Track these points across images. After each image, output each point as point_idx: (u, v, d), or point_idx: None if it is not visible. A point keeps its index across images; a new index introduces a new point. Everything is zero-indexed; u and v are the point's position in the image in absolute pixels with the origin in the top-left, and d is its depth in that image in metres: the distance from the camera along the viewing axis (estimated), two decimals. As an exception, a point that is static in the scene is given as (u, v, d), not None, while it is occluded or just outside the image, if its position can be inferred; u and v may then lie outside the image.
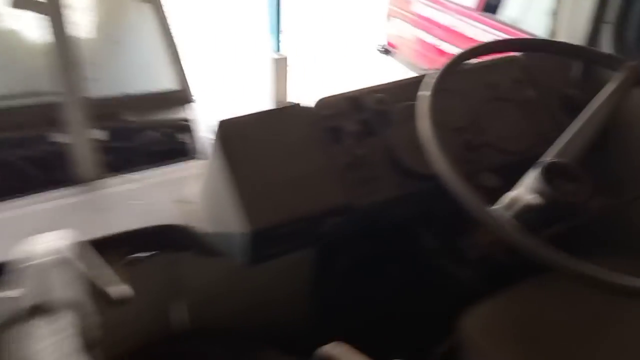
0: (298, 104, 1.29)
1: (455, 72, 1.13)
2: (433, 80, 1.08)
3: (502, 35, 4.21)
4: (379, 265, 1.61)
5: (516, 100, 1.43)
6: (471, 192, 0.90)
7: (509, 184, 1.26)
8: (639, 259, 1.28)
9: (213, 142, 1.19)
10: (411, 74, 4.68)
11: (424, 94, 1.05)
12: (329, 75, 6.34)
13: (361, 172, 1.23)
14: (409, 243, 1.45)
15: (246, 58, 6.54)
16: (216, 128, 1.17)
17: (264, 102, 5.74)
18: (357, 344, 0.87)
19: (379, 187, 1.23)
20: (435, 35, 4.97)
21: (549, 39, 1.19)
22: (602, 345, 1.05)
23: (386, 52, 5.75)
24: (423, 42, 5.14)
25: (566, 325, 1.08)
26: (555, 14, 1.62)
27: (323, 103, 1.29)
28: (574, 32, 1.57)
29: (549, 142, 1.41)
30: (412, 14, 5.22)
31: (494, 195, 1.28)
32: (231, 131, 1.18)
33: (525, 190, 1.01)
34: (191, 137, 2.63)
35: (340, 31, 7.52)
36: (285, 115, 1.25)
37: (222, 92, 5.71)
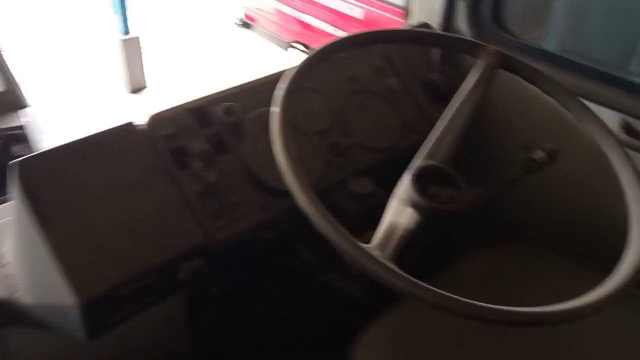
0: (130, 124, 1.05)
1: (309, 70, 0.96)
2: (282, 93, 0.90)
3: (361, 5, 4.16)
4: (256, 289, 1.44)
5: (379, 92, 1.32)
6: (339, 231, 0.76)
7: (382, 185, 1.15)
8: (521, 245, 1.26)
9: (14, 188, 0.91)
10: (273, 47, 4.47)
11: (274, 109, 0.88)
12: (187, 54, 5.92)
13: (217, 200, 1.03)
14: (287, 261, 1.29)
15: (90, 43, 5.86)
16: (15, 170, 0.90)
17: (118, 91, 5.21)
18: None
19: (241, 214, 1.05)
20: (294, 7, 4.80)
21: (407, 28, 1.08)
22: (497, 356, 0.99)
23: (245, 25, 5.46)
24: (282, 14, 4.94)
25: (459, 339, 1.01)
26: (408, -7, 1.53)
27: (159, 120, 1.06)
28: (429, 11, 1.49)
29: (417, 132, 1.33)
30: (270, -16, 4.99)
31: (368, 201, 1.18)
32: (38, 172, 0.91)
33: (398, 211, 0.89)
34: (28, 148, 2.24)
35: (192, 6, 7.03)
36: (111, 142, 1.00)
37: (69, 89, 5.07)
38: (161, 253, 0.95)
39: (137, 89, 5.33)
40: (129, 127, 1.04)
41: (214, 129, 1.09)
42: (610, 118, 1.21)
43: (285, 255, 1.30)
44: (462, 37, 1.09)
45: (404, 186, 0.93)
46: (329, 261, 1.26)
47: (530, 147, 1.28)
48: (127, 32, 5.08)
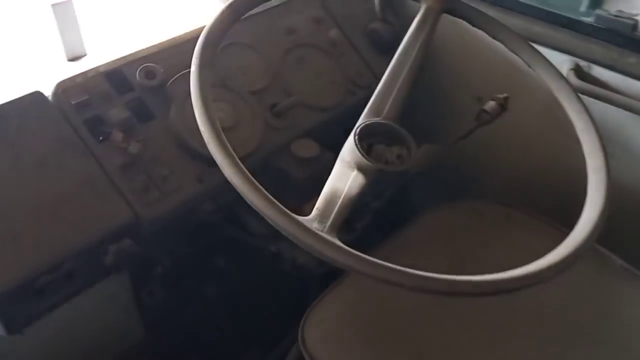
0: (38, 93, 0.92)
1: (230, 20, 0.85)
2: (198, 49, 0.79)
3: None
4: (204, 264, 1.36)
5: (320, 45, 1.22)
6: (269, 203, 0.67)
7: (330, 147, 1.08)
8: (477, 203, 1.22)
9: None
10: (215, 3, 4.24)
11: (192, 69, 0.77)
12: (129, 15, 5.57)
13: (144, 173, 0.93)
14: (234, 233, 1.21)
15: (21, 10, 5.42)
16: None
17: (54, 60, 4.87)
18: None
19: (173, 187, 0.95)
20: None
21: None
22: (449, 327, 0.95)
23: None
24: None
25: (416, 306, 0.96)
26: None
27: (68, 87, 0.94)
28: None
29: (363, 87, 1.25)
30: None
31: (314, 165, 1.10)
32: None
33: (342, 175, 0.81)
34: None
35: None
36: (16, 114, 0.88)
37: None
38: (82, 236, 0.85)
39: (76, 57, 5.02)
40: (36, 97, 0.91)
41: (134, 95, 0.98)
42: (562, 62, 1.16)
43: (231, 227, 1.22)
44: None
45: (347, 147, 0.85)
46: (276, 230, 1.19)
47: (481, 97, 1.23)
48: (57, -4, 4.73)
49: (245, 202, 1.19)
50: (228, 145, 0.70)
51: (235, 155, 0.69)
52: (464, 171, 1.44)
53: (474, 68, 1.36)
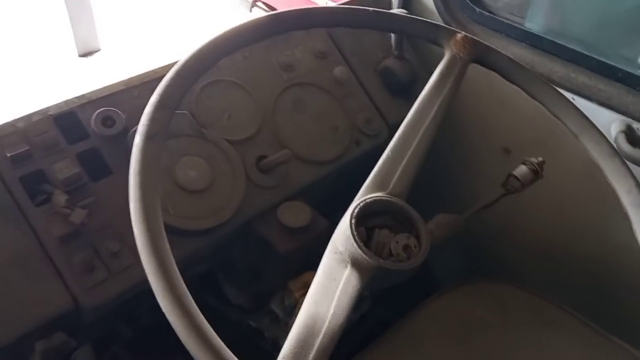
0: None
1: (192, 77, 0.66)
2: (149, 109, 0.61)
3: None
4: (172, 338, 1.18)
5: (322, 84, 1.04)
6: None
7: (327, 209, 0.90)
8: (498, 285, 1.02)
9: None
10: (235, 5, 4.01)
11: (137, 139, 0.59)
12: (144, 13, 5.45)
13: (89, 247, 0.76)
14: (208, 302, 1.04)
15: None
16: None
17: (66, 55, 4.76)
18: None
19: (125, 265, 0.77)
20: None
21: (354, 6, 0.78)
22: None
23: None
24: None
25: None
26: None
27: (5, 134, 0.76)
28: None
29: (372, 136, 1.06)
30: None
31: (304, 235, 0.91)
32: None
33: (329, 277, 0.63)
34: None
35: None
36: None
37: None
38: (3, 328, 0.68)
39: (89, 52, 4.89)
40: None
41: (87, 144, 0.80)
42: (611, 122, 0.96)
43: (207, 294, 1.04)
44: (421, 19, 0.81)
45: (341, 232, 0.66)
46: (257, 303, 1.01)
47: (509, 148, 1.03)
48: (72, -11, 4.60)
49: (225, 270, 1.02)
50: (170, 260, 0.52)
51: (177, 279, 0.51)
52: (486, 244, 1.24)
53: (500, 115, 1.16)
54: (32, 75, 4.39)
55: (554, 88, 0.80)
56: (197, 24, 5.23)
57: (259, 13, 4.62)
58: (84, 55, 4.99)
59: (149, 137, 0.58)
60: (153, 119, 0.59)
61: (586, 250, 1.08)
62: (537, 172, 0.86)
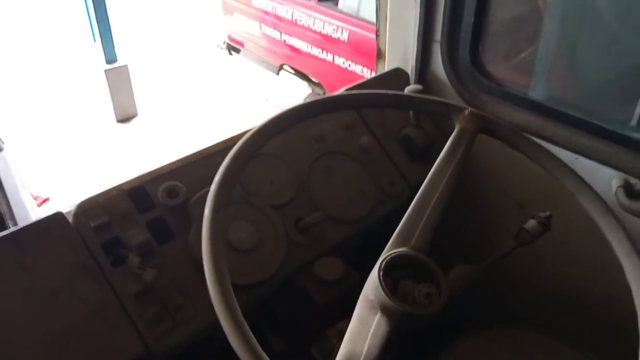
0: (59, 214, 0.91)
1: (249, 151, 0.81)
2: (214, 188, 0.76)
3: (345, 27, 4.04)
4: None
5: (350, 153, 1.19)
6: None
7: (359, 263, 1.01)
8: (516, 329, 1.11)
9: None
10: (261, 70, 4.33)
11: (206, 213, 0.73)
12: (176, 80, 5.81)
13: (158, 301, 0.89)
14: None
15: (75, 74, 5.75)
16: None
17: (106, 121, 5.09)
18: None
19: (187, 316, 0.90)
20: (280, 30, 4.68)
21: (377, 90, 0.94)
22: None
23: (230, 49, 5.33)
24: (269, 38, 4.83)
25: None
26: (378, 35, 1.39)
27: (89, 207, 0.92)
28: (403, 54, 1.36)
29: (396, 197, 1.19)
30: (253, 8, 4.86)
31: (338, 287, 1.03)
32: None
33: (364, 320, 0.74)
34: (4, 198, 2.09)
35: (174, 32, 6.92)
36: (34, 238, 0.87)
37: (51, 124, 4.95)
38: None
39: (127, 118, 5.22)
40: (57, 218, 0.90)
41: (154, 213, 0.95)
42: (610, 178, 1.07)
43: None
44: (433, 99, 0.95)
45: (371, 283, 0.78)
46: (298, 350, 1.12)
47: (523, 203, 1.13)
48: (114, 59, 4.98)
49: (269, 320, 1.13)
50: (235, 306, 0.65)
51: (242, 322, 0.63)
52: (505, 289, 1.33)
53: (514, 174, 1.28)
54: (76, 140, 4.72)
55: (551, 153, 0.93)
56: (222, 89, 5.57)
57: (285, 76, 4.90)
58: (123, 120, 5.35)
59: (215, 211, 0.72)
60: (218, 195, 0.74)
61: (597, 295, 1.16)
62: (545, 226, 0.98)
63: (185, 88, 5.65)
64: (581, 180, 0.89)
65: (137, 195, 0.96)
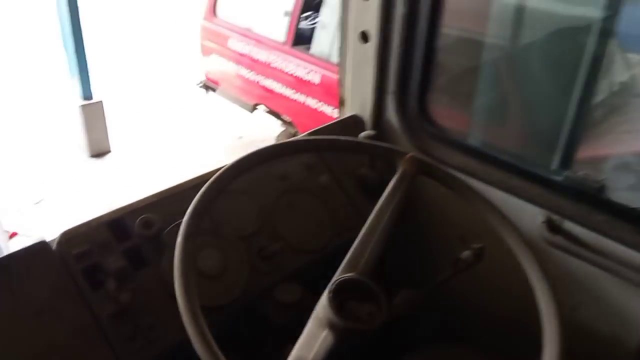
0: (43, 243, 1.01)
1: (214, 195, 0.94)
2: (187, 222, 0.88)
3: (318, 70, 4.26)
4: None
5: (310, 190, 1.32)
6: None
7: (317, 289, 1.13)
8: (458, 347, 1.23)
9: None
10: (236, 108, 4.48)
11: (179, 240, 0.86)
12: (152, 117, 5.92)
13: (132, 322, 0.99)
14: None
15: (50, 109, 5.80)
16: None
17: (77, 156, 5.14)
18: None
19: (157, 336, 1.00)
20: (255, 71, 4.88)
21: (332, 137, 1.09)
22: None
23: (207, 88, 5.51)
24: (244, 78, 5.02)
25: None
26: (341, 85, 1.56)
27: (72, 237, 1.03)
28: (361, 102, 1.52)
29: (351, 230, 1.32)
30: (229, 50, 5.07)
31: (295, 310, 1.15)
32: None
33: (312, 335, 0.87)
34: None
35: (152, 69, 7.08)
36: (20, 265, 0.96)
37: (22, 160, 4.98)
38: None
39: (100, 153, 5.27)
40: (41, 246, 1.00)
41: (131, 243, 1.06)
42: (536, 215, 1.22)
43: None
44: (379, 144, 1.11)
45: (321, 303, 0.91)
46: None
47: (464, 236, 1.28)
48: (90, 96, 5.07)
49: (232, 342, 1.23)
50: (206, 330, 0.76)
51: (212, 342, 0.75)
52: (449, 313, 1.47)
53: (457, 209, 1.43)
54: (47, 174, 4.75)
55: (477, 193, 1.08)
56: (197, 126, 5.70)
57: (259, 114, 5.07)
58: (95, 156, 5.40)
59: (187, 239, 0.84)
60: (190, 225, 0.86)
61: (528, 317, 1.30)
62: (478, 255, 1.13)
63: (161, 125, 5.75)
64: (503, 217, 1.04)
65: (116, 226, 1.07)
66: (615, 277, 1.12)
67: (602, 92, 1.66)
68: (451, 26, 1.52)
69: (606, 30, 1.34)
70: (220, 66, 5.27)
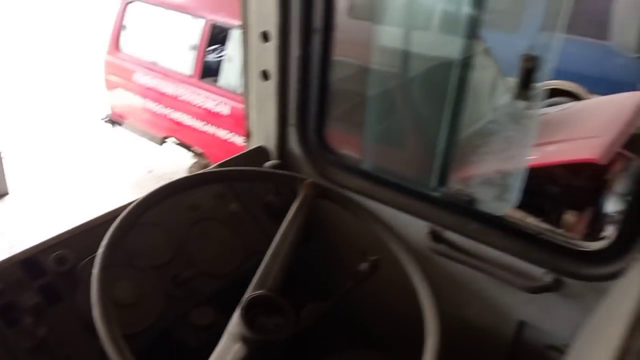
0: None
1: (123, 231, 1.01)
2: (102, 255, 0.95)
3: (227, 102, 4.34)
4: None
5: (221, 218, 1.41)
6: None
7: (226, 312, 1.21)
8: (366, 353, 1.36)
9: None
10: (145, 142, 4.42)
11: (94, 271, 0.92)
12: (54, 155, 5.66)
13: (49, 355, 1.02)
14: None
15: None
16: None
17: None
18: None
19: None
20: (163, 104, 4.87)
21: (240, 168, 1.20)
22: None
23: (113, 122, 5.39)
24: (152, 112, 4.98)
25: None
26: (247, 118, 1.68)
27: None
28: (266, 134, 1.65)
29: (259, 252, 1.42)
30: (136, 84, 5.03)
31: (209, 332, 1.22)
32: None
33: (226, 348, 0.96)
34: None
35: (54, 108, 6.79)
36: None
37: None
38: None
39: (-3, 199, 4.96)
40: None
41: (45, 280, 1.09)
42: (422, 227, 1.40)
43: None
44: (280, 172, 1.24)
45: (234, 319, 1.00)
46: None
47: (366, 250, 1.43)
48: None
49: None
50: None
51: None
52: (352, 322, 1.60)
53: (357, 227, 1.58)
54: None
55: (370, 213, 1.24)
56: (104, 162, 5.55)
57: (168, 147, 5.03)
58: (-6, 199, 5.06)
59: (102, 271, 0.90)
60: (104, 258, 0.92)
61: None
62: (374, 266, 1.28)
63: (65, 163, 5.52)
64: (390, 231, 1.20)
65: (29, 264, 1.10)
66: (491, 277, 1.32)
67: (483, 117, 1.92)
68: (344, 63, 1.71)
69: (468, 66, 1.59)
70: (126, 100, 5.20)
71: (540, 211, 2.80)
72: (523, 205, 2.85)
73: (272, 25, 1.46)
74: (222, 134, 4.49)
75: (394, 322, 1.56)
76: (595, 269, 1.17)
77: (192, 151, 4.88)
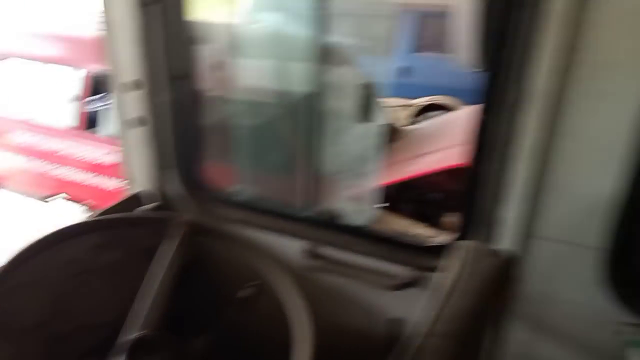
0: None
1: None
2: None
3: (112, 149, 4.24)
4: None
5: (101, 267, 1.42)
6: None
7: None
8: None
9: None
10: (29, 201, 4.14)
11: None
12: None
13: None
14: None
15: None
16: None
17: None
18: None
19: None
20: (46, 161, 4.64)
21: (112, 215, 1.24)
22: None
23: (-6, 185, 5.04)
24: (34, 170, 4.73)
25: None
26: (126, 164, 1.71)
27: None
28: (147, 179, 1.69)
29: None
30: (11, 144, 4.75)
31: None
32: None
33: None
34: None
35: None
36: None
37: None
38: None
39: None
40: None
41: None
42: (299, 247, 1.51)
43: None
44: (147, 215, 1.29)
45: None
46: None
47: (252, 279, 1.51)
48: None
49: None
50: None
51: None
52: (255, 345, 1.66)
53: (239, 256, 1.65)
54: None
55: (245, 241, 1.33)
56: None
57: (55, 204, 4.77)
58: None
59: None
60: None
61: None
62: (258, 291, 1.36)
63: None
64: (265, 256, 1.30)
65: None
66: (362, 282, 1.45)
67: (350, 140, 2.09)
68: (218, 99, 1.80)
69: (330, 94, 1.76)
70: (4, 161, 4.90)
71: (425, 217, 3.05)
72: (411, 215, 3.09)
73: (140, 74, 1.52)
74: (114, 183, 4.37)
75: (286, 345, 1.64)
76: (442, 261, 1.33)
77: (85, 205, 4.68)
